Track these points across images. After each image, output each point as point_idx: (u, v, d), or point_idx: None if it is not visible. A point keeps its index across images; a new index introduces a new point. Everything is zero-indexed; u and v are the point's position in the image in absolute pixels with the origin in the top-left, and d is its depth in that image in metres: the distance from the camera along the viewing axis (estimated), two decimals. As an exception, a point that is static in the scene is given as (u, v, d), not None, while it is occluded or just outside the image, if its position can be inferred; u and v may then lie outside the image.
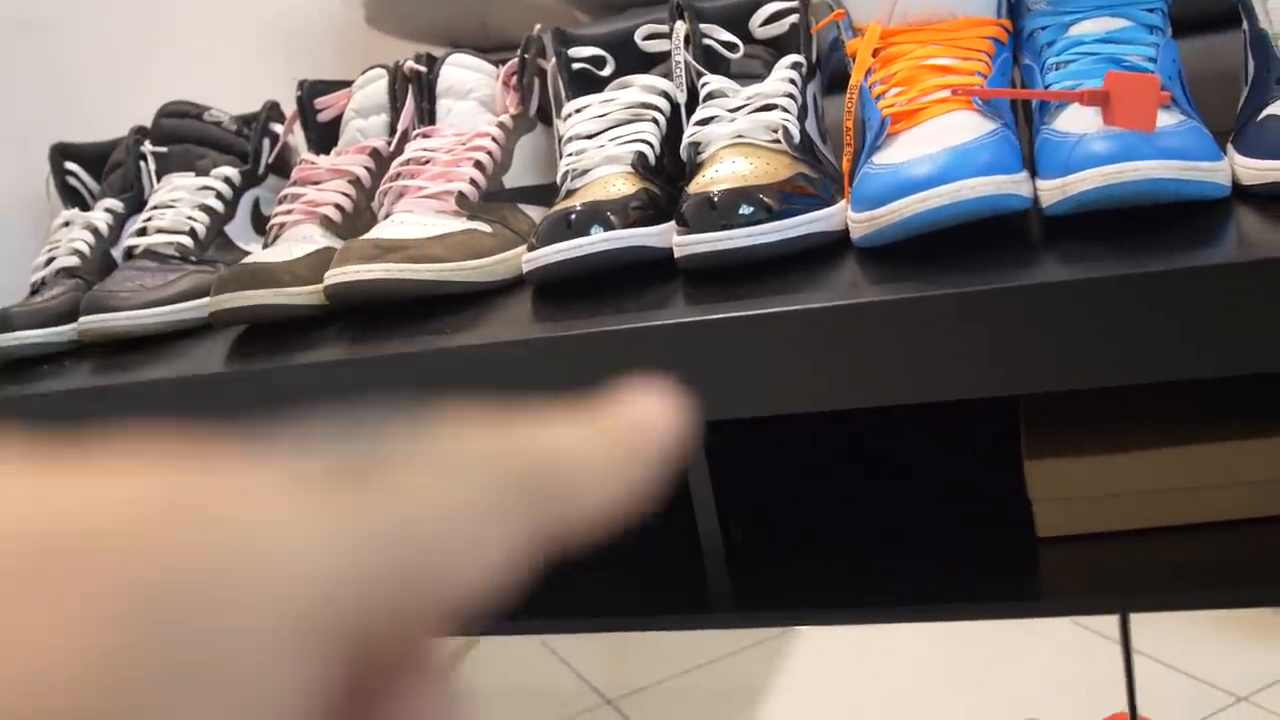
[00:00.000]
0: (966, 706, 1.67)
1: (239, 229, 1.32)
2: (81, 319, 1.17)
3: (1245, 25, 0.99)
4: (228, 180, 1.32)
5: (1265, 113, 0.90)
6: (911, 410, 0.89)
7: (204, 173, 1.33)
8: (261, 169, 1.35)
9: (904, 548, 0.99)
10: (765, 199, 0.92)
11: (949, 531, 1.00)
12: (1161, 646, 1.68)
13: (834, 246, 0.96)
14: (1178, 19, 0.98)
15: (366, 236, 1.05)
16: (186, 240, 1.26)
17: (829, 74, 1.14)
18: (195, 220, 1.28)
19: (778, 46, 1.11)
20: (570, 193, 1.05)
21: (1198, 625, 1.69)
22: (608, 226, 0.96)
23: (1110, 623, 1.32)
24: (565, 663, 1.96)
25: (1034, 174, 0.91)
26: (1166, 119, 0.86)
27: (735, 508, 0.98)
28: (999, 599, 0.90)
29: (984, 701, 1.66)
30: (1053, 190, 0.85)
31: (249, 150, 1.36)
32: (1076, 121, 0.87)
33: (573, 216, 0.97)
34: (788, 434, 1.10)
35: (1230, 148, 0.93)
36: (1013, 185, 0.85)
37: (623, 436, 0.27)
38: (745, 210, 0.91)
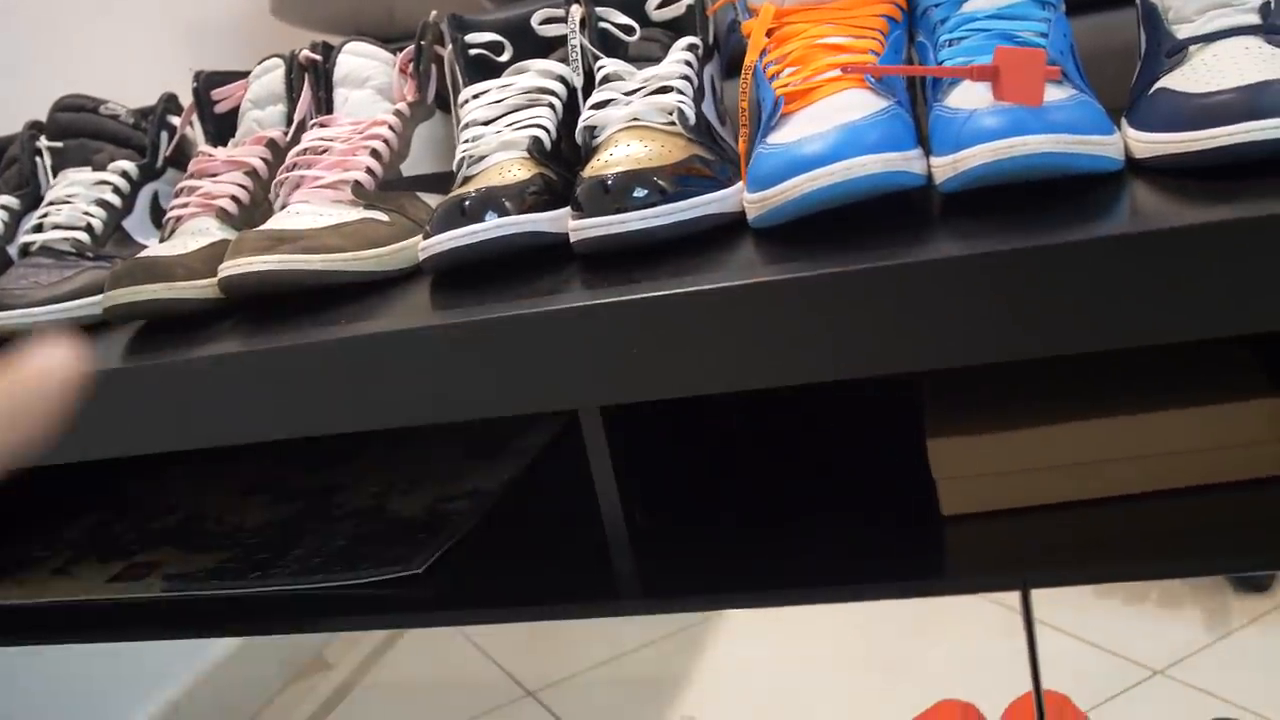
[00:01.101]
0: (883, 686, 1.68)
1: (137, 223, 1.30)
2: (-26, 317, 1.15)
3: (1138, 1, 1.00)
4: (125, 174, 1.30)
5: (1156, 86, 0.90)
6: (814, 390, 0.89)
7: (101, 167, 1.31)
8: (159, 162, 1.33)
9: (809, 529, 0.99)
10: (660, 181, 0.91)
11: (854, 512, 1.00)
12: (1077, 621, 1.69)
13: (731, 228, 0.95)
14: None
15: (261, 228, 1.03)
16: (83, 236, 1.24)
17: (727, 55, 1.13)
18: (92, 215, 1.26)
19: (675, 28, 1.10)
20: (466, 179, 1.04)
21: (1112, 600, 1.71)
22: (503, 212, 0.96)
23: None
24: (486, 654, 1.95)
25: (928, 151, 0.91)
26: (1057, 93, 0.86)
27: (638, 492, 0.97)
28: (905, 578, 0.90)
29: (901, 680, 1.66)
30: (944, 166, 0.85)
31: (147, 143, 1.33)
32: (967, 98, 0.87)
33: (467, 203, 0.96)
34: (688, 415, 1.10)
35: (1123, 121, 0.93)
36: (904, 162, 0.85)
37: (14, 388, 0.31)
38: (639, 193, 0.91)
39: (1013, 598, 0.88)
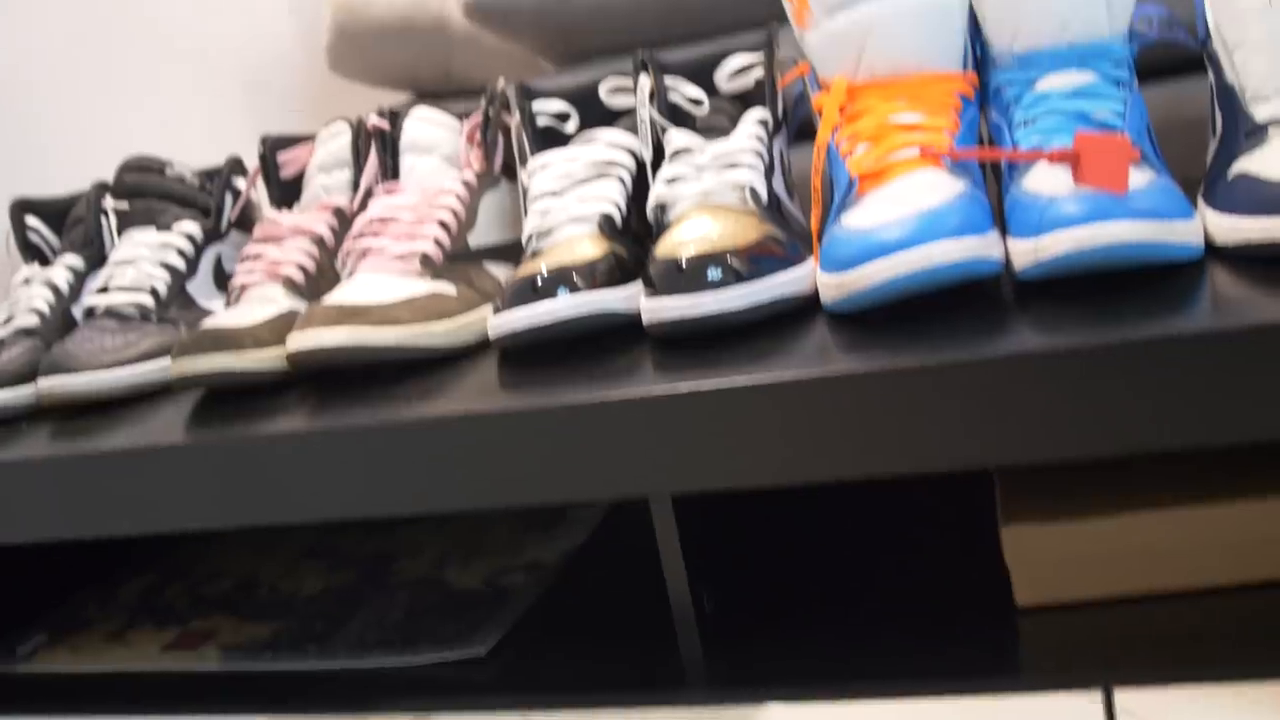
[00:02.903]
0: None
1: (201, 286, 1.30)
2: (40, 381, 1.15)
3: (1211, 77, 0.98)
4: (190, 236, 1.30)
5: (1235, 168, 0.89)
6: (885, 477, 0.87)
7: (166, 228, 1.31)
8: (224, 225, 1.33)
9: (879, 619, 0.97)
10: (733, 262, 0.90)
11: (925, 602, 0.98)
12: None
13: (804, 308, 0.94)
14: (1140, 65, 0.98)
15: (329, 300, 1.03)
16: (147, 299, 1.24)
17: (795, 126, 1.13)
18: (156, 278, 1.26)
19: (744, 100, 1.10)
20: (536, 253, 1.03)
21: (1206, 698, 1.65)
22: (575, 290, 0.95)
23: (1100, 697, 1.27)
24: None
25: (1004, 232, 0.90)
26: (1137, 177, 0.85)
27: (706, 578, 0.96)
28: (978, 674, 0.88)
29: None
30: (1025, 253, 0.84)
31: (211, 205, 1.34)
32: (1046, 181, 0.86)
33: (539, 280, 0.95)
34: (761, 502, 1.09)
35: (1201, 203, 0.92)
36: (984, 248, 0.84)
37: None
38: (713, 274, 0.90)
39: (1094, 697, 0.85)
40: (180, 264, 1.29)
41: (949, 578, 1.01)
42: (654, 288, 0.91)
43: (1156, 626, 0.89)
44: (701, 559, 0.95)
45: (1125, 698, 0.83)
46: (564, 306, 0.95)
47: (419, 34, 1.94)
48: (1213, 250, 0.88)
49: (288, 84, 2.37)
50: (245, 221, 1.36)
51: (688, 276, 0.90)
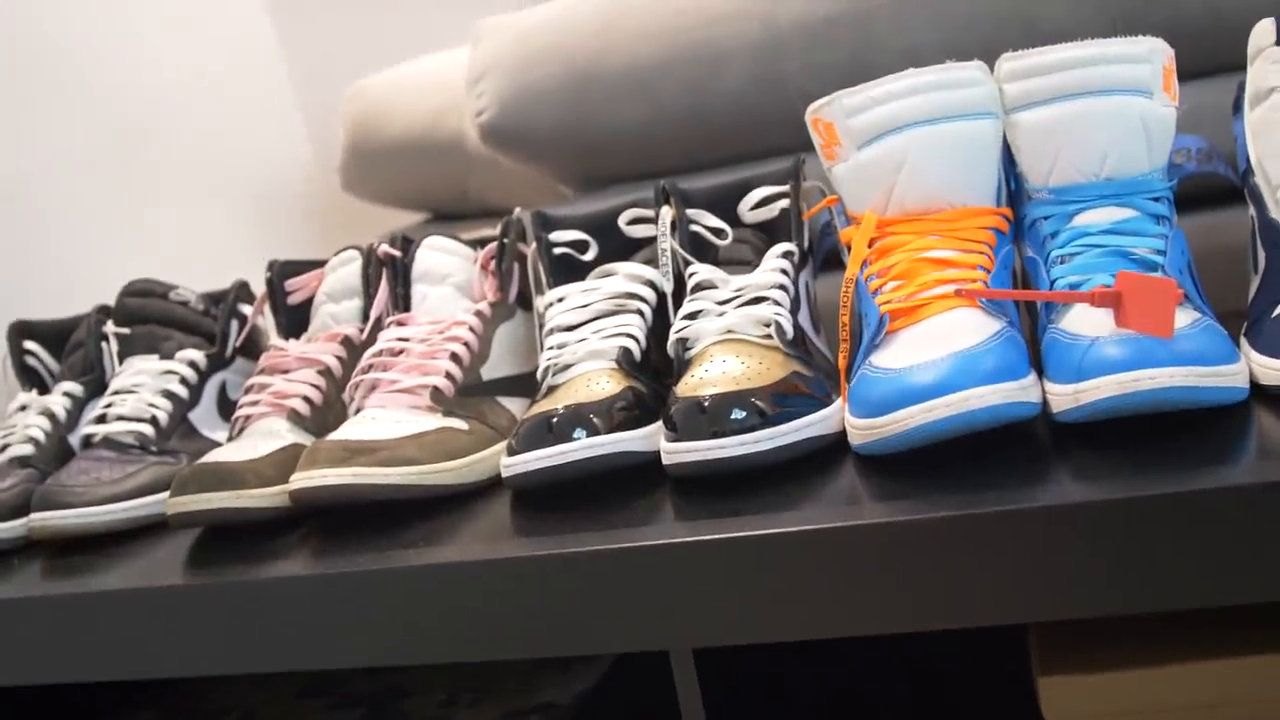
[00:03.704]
0: None
1: (204, 415, 1.26)
2: (32, 515, 1.11)
3: (1253, 212, 0.95)
4: (193, 364, 1.27)
5: (1281, 310, 0.86)
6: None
7: (168, 355, 1.27)
8: (229, 352, 1.30)
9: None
10: (758, 403, 0.86)
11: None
12: None
13: (831, 449, 0.90)
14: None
15: (335, 436, 0.99)
16: (147, 429, 1.21)
17: (821, 258, 1.09)
18: (157, 408, 1.22)
19: (768, 231, 1.07)
20: (551, 389, 0.99)
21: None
22: (592, 431, 0.91)
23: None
24: None
25: (1040, 373, 0.86)
26: (1181, 318, 0.82)
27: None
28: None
29: None
30: (1064, 397, 0.80)
31: (216, 332, 1.30)
32: (1087, 322, 0.83)
33: (554, 420, 0.91)
34: (787, 649, 1.04)
35: (1245, 344, 0.88)
36: (1021, 392, 0.81)
37: None
38: (737, 415, 0.86)
39: None
40: (183, 392, 1.25)
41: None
42: (675, 430, 0.87)
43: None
44: (724, 710, 0.90)
45: None
46: (580, 448, 0.91)
47: (435, 154, 1.92)
48: (1259, 392, 0.84)
49: (300, 206, 2.36)
50: (251, 349, 1.32)
51: (710, 418, 0.86)
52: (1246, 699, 0.89)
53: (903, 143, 0.93)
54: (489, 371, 1.10)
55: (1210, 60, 1.23)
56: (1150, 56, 0.92)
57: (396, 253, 1.14)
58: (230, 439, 1.13)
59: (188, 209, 2.16)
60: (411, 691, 1.30)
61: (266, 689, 1.40)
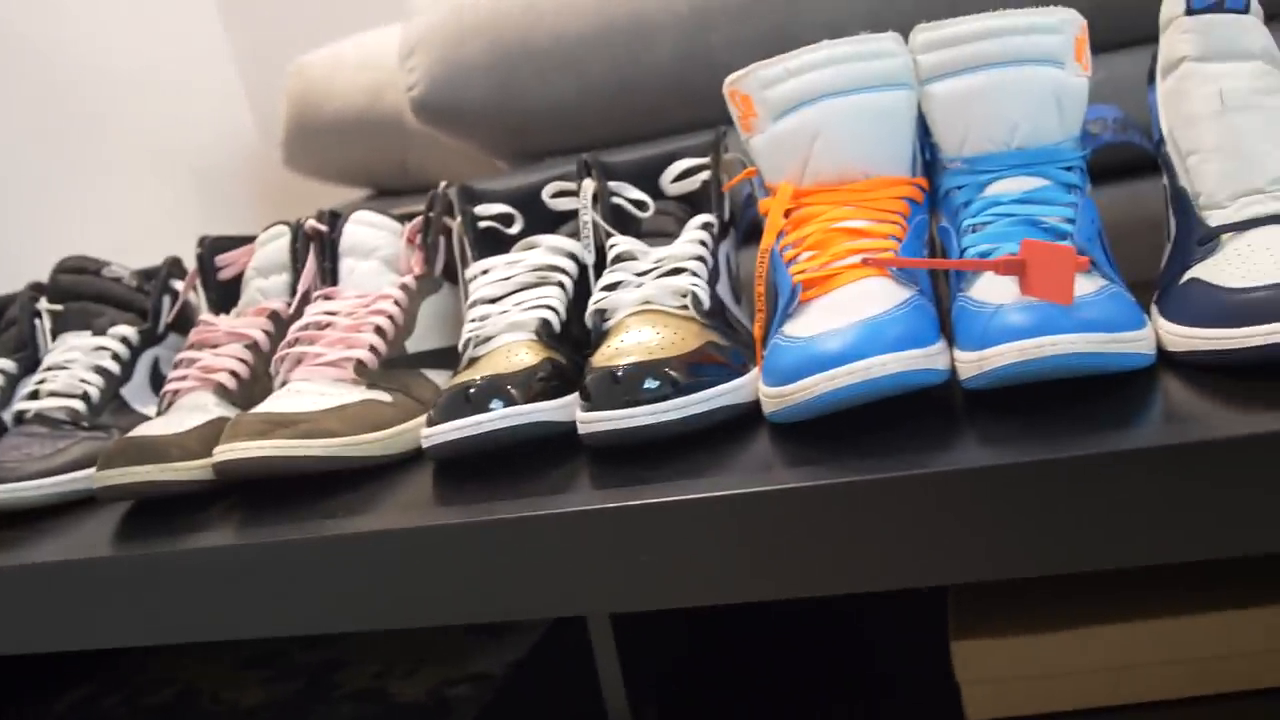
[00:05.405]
0: None
1: (136, 390, 1.27)
2: (-37, 491, 1.11)
3: (1166, 181, 0.96)
4: (125, 340, 1.27)
5: (1188, 275, 0.87)
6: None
7: (101, 331, 1.27)
8: (161, 328, 1.30)
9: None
10: (671, 372, 0.87)
11: (873, 717, 0.95)
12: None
13: (746, 418, 0.91)
14: (1100, 165, 0.95)
15: (257, 410, 1.00)
16: (79, 405, 1.21)
17: (744, 229, 1.10)
18: (89, 383, 1.23)
19: (690, 203, 1.07)
20: (472, 361, 1.00)
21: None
22: (509, 401, 0.92)
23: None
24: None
25: (952, 341, 0.87)
26: (1086, 285, 0.83)
27: (648, 695, 0.92)
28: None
29: None
30: (970, 364, 0.81)
31: (149, 308, 1.30)
32: (994, 290, 0.84)
33: (472, 391, 0.92)
34: (704, 614, 1.05)
35: (1154, 309, 0.90)
36: (927, 360, 0.81)
37: None
38: (650, 385, 0.87)
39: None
40: (115, 368, 1.25)
41: (899, 693, 0.97)
42: (590, 400, 0.88)
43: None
44: (642, 674, 0.92)
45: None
46: (497, 418, 0.91)
47: (374, 129, 1.92)
48: (1166, 358, 0.85)
49: (242, 180, 2.35)
50: (184, 324, 1.32)
51: (624, 388, 0.87)
52: (1155, 661, 0.91)
53: (817, 114, 0.94)
54: (415, 344, 1.11)
55: (1131, 31, 1.24)
56: (1062, 27, 0.93)
57: (324, 227, 1.15)
58: (159, 413, 1.13)
59: (132, 187, 2.15)
60: (348, 662, 1.31)
61: (207, 661, 1.41)
